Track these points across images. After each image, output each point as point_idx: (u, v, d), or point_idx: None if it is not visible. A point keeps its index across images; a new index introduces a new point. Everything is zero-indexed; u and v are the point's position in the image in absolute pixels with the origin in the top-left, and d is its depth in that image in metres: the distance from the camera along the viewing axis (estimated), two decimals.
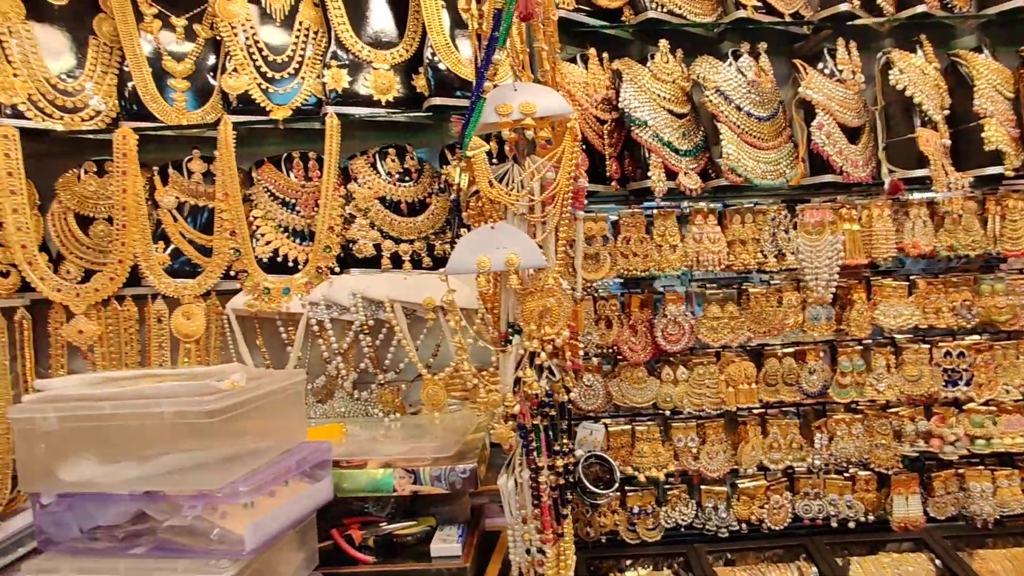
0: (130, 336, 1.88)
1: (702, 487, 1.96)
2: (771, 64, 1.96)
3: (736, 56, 1.93)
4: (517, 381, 1.24)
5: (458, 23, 1.89)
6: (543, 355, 1.23)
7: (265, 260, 1.87)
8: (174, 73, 1.93)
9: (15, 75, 1.78)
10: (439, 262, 1.97)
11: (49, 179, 1.91)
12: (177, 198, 1.91)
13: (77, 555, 1.17)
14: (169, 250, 1.89)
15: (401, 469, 1.48)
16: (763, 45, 1.96)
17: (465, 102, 1.87)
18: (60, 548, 1.19)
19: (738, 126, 1.87)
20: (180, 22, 1.95)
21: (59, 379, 1.20)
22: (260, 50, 1.89)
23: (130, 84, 1.88)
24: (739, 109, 1.88)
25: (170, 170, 1.92)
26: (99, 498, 1.13)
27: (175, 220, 1.90)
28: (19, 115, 1.78)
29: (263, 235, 1.89)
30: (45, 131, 1.83)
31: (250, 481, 1.14)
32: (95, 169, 1.91)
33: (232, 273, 1.88)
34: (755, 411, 1.96)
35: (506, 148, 1.35)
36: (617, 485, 1.80)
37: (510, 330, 1.30)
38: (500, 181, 1.25)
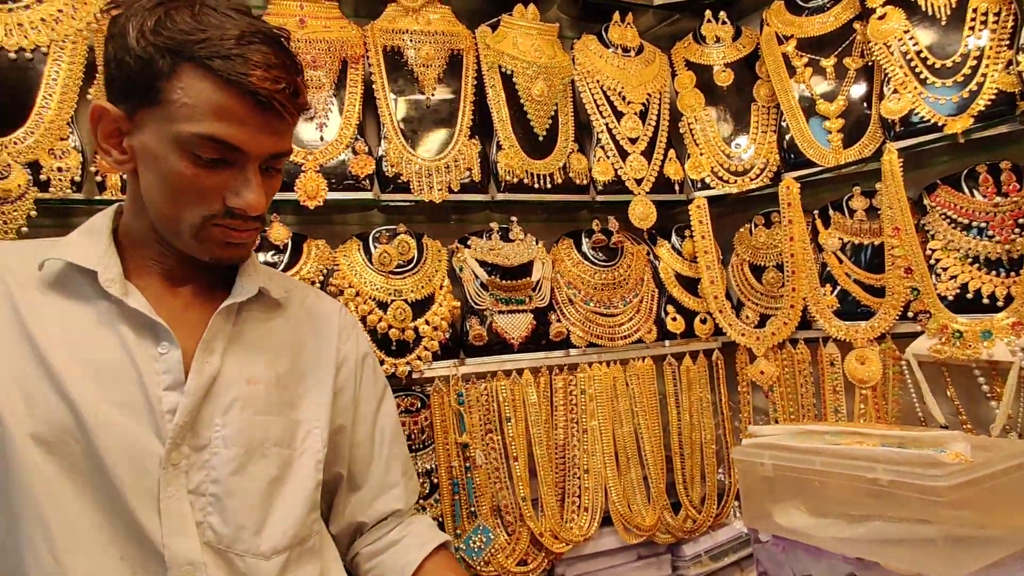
0: (804, 378, 1.94)
1: None
2: None
3: None
4: None
5: None
6: None
7: (950, 298, 1.63)
8: (827, 115, 1.93)
9: (701, 154, 2.14)
10: None
11: (726, 235, 2.20)
12: (840, 239, 1.88)
13: None
14: (836, 292, 1.88)
15: None
16: None
17: None
18: None
19: None
20: (829, 62, 1.95)
21: (768, 427, 1.31)
22: (923, 60, 1.69)
23: (787, 137, 1.98)
24: None
25: (831, 212, 1.91)
26: (811, 550, 1.15)
27: (840, 262, 1.87)
28: (706, 187, 2.13)
29: (945, 269, 1.65)
30: (721, 196, 2.12)
31: None
32: (763, 222, 2.09)
33: (910, 314, 1.70)
34: None
35: None
36: None
37: None
38: None
